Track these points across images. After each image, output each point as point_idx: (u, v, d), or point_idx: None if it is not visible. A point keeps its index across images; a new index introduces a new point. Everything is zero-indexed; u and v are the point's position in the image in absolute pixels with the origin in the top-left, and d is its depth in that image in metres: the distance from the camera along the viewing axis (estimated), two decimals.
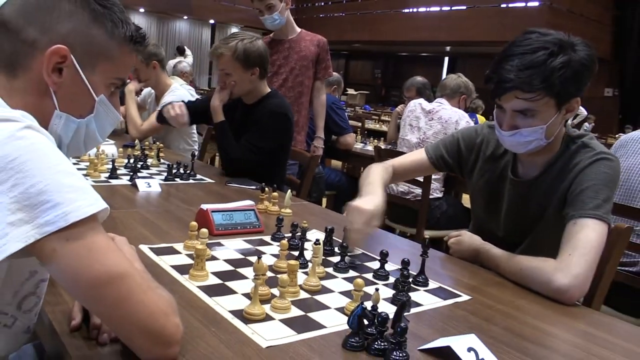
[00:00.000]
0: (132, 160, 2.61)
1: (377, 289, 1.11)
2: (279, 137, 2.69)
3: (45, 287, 1.05)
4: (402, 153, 3.69)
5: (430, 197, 3.36)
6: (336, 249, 1.58)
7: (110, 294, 0.84)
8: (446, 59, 18.63)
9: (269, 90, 2.79)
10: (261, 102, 2.73)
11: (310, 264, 1.42)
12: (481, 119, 6.86)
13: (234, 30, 18.14)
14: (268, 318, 1.14)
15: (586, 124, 11.38)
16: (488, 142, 1.84)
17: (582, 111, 11.59)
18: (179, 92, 3.64)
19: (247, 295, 1.24)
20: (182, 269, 1.36)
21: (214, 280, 1.32)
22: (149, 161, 2.73)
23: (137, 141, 3.17)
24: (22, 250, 0.79)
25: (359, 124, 6.93)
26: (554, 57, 1.49)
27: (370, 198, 1.66)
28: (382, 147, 4.33)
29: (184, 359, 0.95)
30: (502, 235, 1.75)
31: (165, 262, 1.40)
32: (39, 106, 0.97)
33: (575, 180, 1.59)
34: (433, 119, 3.66)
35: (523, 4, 13.05)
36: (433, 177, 3.34)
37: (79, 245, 0.82)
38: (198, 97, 4.04)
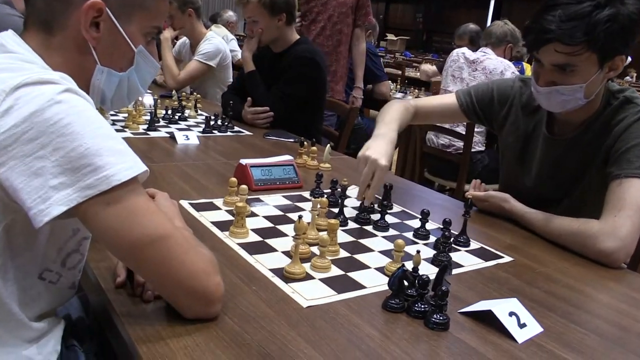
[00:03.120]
0: (169, 112, 2.64)
1: (418, 251, 1.12)
2: (309, 84, 2.68)
3: (88, 244, 1.09)
4: None
5: (472, 150, 3.33)
6: (376, 207, 1.59)
7: (152, 256, 0.88)
8: (492, 2, 18.06)
9: (298, 37, 2.78)
10: (289, 49, 2.73)
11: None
12: (527, 67, 6.67)
13: None
14: (308, 277, 1.17)
15: (627, 77, 10.90)
16: (521, 95, 1.79)
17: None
18: (215, 41, 3.64)
19: (287, 254, 1.27)
20: (223, 226, 1.39)
21: (254, 238, 1.35)
22: (187, 112, 2.76)
23: (174, 92, 3.20)
24: (65, 212, 0.83)
25: (399, 72, 6.80)
26: (601, 9, 1.42)
27: (382, 145, 1.61)
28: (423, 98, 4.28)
29: (225, 316, 0.99)
30: (535, 193, 1.71)
31: (206, 218, 1.44)
32: (80, 63, 1.00)
33: (620, 138, 1.54)
34: (477, 70, 3.59)
35: None
36: (475, 130, 3.30)
37: (120, 208, 0.86)
38: (237, 48, 4.02)
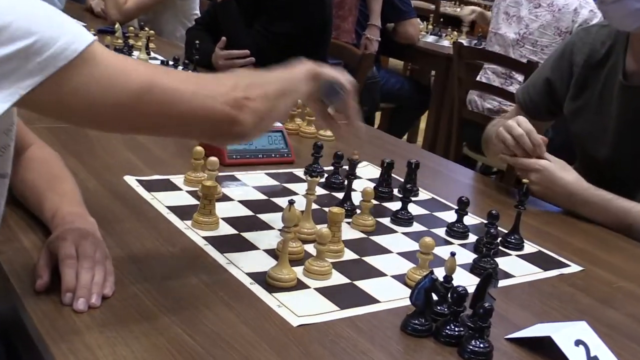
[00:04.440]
0: None
1: (452, 254, 1.13)
2: (305, 19, 2.69)
3: (5, 187, 1.11)
4: (491, 53, 3.66)
5: None
6: (396, 192, 1.60)
7: (145, 111, 1.01)
8: None
9: None
10: None
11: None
12: None
13: None
14: (300, 286, 1.18)
15: None
16: (582, 47, 1.81)
17: None
18: None
19: (271, 253, 1.28)
20: (183, 212, 1.40)
21: (227, 230, 1.36)
22: (135, 54, 2.75)
23: (117, 25, 3.19)
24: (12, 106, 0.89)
25: (432, 7, 6.80)
26: None
27: None
28: (464, 42, 4.27)
29: (185, 335, 0.99)
30: (614, 169, 1.71)
31: (160, 201, 1.45)
32: None
33: None
34: (540, 6, 3.58)
35: None
36: None
37: (80, 87, 0.93)
38: None
